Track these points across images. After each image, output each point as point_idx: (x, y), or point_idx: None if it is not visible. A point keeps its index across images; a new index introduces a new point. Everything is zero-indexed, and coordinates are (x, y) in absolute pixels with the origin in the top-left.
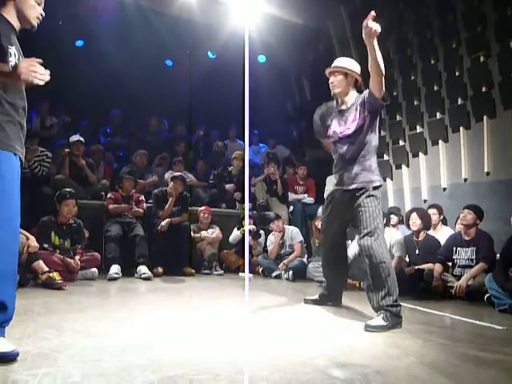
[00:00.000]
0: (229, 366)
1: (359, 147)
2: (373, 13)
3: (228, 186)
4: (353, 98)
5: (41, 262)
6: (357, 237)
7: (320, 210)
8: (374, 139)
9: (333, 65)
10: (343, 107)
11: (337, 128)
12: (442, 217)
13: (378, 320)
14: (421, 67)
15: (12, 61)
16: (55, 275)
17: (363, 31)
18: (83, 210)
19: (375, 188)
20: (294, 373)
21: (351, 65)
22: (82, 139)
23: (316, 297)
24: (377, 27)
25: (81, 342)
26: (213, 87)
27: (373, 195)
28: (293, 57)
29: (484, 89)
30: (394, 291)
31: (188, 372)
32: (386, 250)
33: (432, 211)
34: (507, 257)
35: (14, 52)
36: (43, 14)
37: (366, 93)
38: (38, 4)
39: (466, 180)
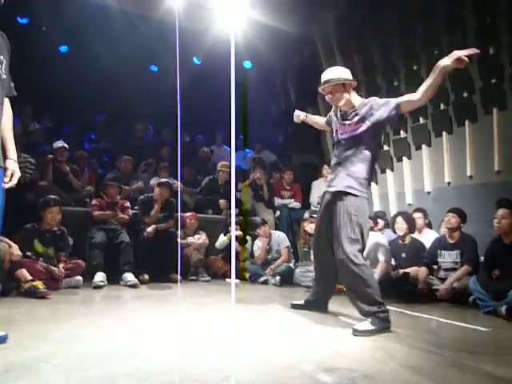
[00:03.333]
0: (215, 372)
1: (354, 153)
2: (477, 51)
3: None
4: (356, 101)
5: (24, 271)
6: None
7: (307, 213)
8: (372, 150)
9: (323, 79)
10: (346, 109)
11: (338, 129)
12: (427, 220)
13: (366, 324)
14: (404, 73)
15: None
16: (39, 284)
17: (456, 61)
18: (67, 216)
19: (354, 195)
20: (281, 378)
21: (342, 73)
22: (65, 145)
23: (302, 302)
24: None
25: (65, 351)
26: (199, 93)
27: (353, 203)
28: (278, 62)
29: (465, 94)
30: (377, 296)
31: (174, 379)
32: (363, 262)
33: (417, 215)
34: (491, 259)
35: None
36: (2, 2)
37: (381, 105)
38: None
39: (449, 184)
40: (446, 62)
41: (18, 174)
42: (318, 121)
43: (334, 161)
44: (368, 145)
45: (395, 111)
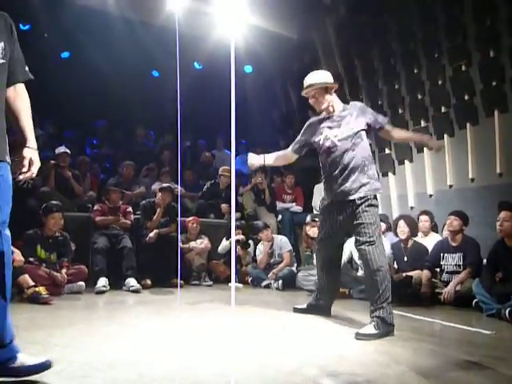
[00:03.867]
0: (218, 377)
1: (361, 155)
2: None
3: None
4: (339, 104)
5: (26, 277)
6: (350, 243)
7: (309, 217)
8: (369, 148)
9: (307, 83)
10: (333, 114)
11: (330, 133)
12: (433, 224)
13: (369, 328)
14: (404, 76)
15: None
16: (41, 289)
17: (429, 143)
18: (69, 222)
19: (375, 197)
20: (284, 382)
21: (324, 77)
22: (67, 151)
23: (305, 306)
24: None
25: (68, 358)
26: (200, 98)
27: (373, 204)
28: (279, 67)
29: (466, 97)
30: (387, 299)
31: None
32: (385, 258)
33: (424, 218)
34: (494, 262)
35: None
36: None
37: (366, 109)
38: None
39: (451, 186)
40: (431, 143)
41: (37, 164)
42: (278, 156)
43: (331, 169)
44: (365, 144)
45: (379, 128)
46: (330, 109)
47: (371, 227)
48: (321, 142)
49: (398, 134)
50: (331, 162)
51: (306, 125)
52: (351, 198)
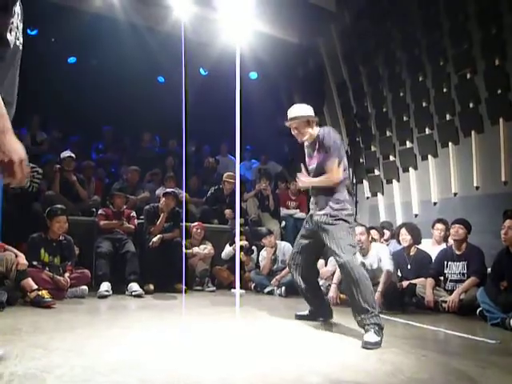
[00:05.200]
0: None
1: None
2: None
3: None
4: (315, 132)
5: (30, 280)
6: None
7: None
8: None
9: (290, 116)
10: (309, 142)
11: (308, 160)
12: (448, 232)
13: (373, 336)
14: (409, 84)
15: (11, 38)
16: (44, 293)
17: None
18: (74, 226)
19: (346, 215)
20: None
21: (307, 111)
22: (72, 155)
23: (306, 312)
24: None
25: (70, 362)
26: (205, 103)
27: (342, 219)
28: (284, 73)
29: (471, 105)
30: (375, 305)
31: None
32: (360, 266)
33: (440, 226)
34: (498, 270)
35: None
36: None
37: (328, 137)
38: None
39: (455, 194)
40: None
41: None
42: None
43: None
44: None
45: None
46: (311, 140)
47: (340, 240)
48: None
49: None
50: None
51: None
52: (318, 213)
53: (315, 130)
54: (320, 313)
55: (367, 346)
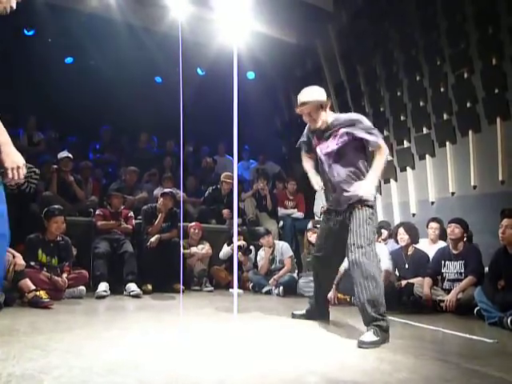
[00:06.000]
0: None
1: (346, 170)
2: None
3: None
4: (331, 118)
5: (27, 281)
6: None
7: (310, 223)
8: (361, 159)
9: (301, 101)
10: (323, 127)
11: (319, 146)
12: (441, 231)
13: (370, 336)
14: (407, 84)
15: None
16: (42, 294)
17: None
18: (71, 226)
19: (368, 204)
20: None
21: (319, 94)
22: (70, 155)
23: (303, 311)
24: None
25: (68, 363)
26: (202, 104)
27: (366, 209)
28: (281, 73)
29: (468, 104)
30: (382, 306)
31: None
32: (376, 264)
33: (434, 225)
34: (496, 270)
35: None
36: (14, 7)
37: (357, 124)
38: None
39: (453, 194)
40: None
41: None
42: (312, 167)
43: (326, 177)
44: (353, 157)
45: (372, 144)
46: (324, 125)
47: (359, 232)
48: (315, 150)
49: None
50: (322, 172)
51: (306, 128)
52: (342, 208)
53: (329, 115)
54: (317, 313)
55: (361, 344)
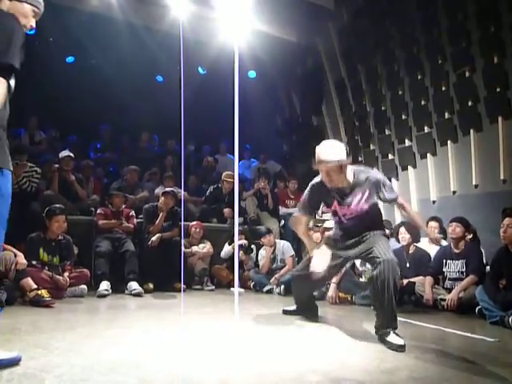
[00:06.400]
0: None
1: (366, 221)
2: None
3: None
4: (350, 175)
5: (29, 280)
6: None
7: (311, 222)
8: (377, 215)
9: (320, 159)
10: (342, 186)
11: (337, 208)
12: (441, 230)
13: (398, 338)
14: (408, 82)
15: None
16: (43, 292)
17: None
18: (72, 225)
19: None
20: None
21: (340, 154)
22: (71, 155)
23: (294, 307)
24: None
25: (69, 361)
26: (203, 102)
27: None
28: (282, 72)
29: (470, 103)
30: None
31: None
32: (398, 275)
33: (433, 224)
34: (497, 269)
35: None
36: (34, 26)
37: (381, 187)
38: (34, 16)
39: (454, 192)
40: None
41: None
42: (305, 229)
43: (341, 229)
44: (372, 214)
45: (392, 201)
46: (342, 185)
47: (383, 248)
48: (331, 206)
49: (405, 210)
50: (338, 225)
51: (312, 187)
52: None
53: (348, 173)
54: (308, 310)
55: (401, 349)
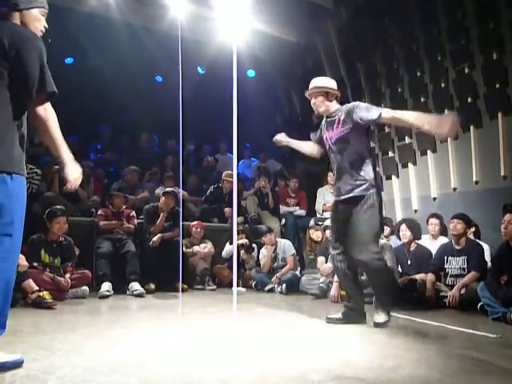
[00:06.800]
0: (221, 383)
1: (350, 158)
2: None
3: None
4: (334, 107)
5: (30, 281)
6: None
7: (312, 221)
8: (363, 148)
9: (311, 86)
10: (330, 117)
11: (326, 134)
12: (442, 227)
13: (383, 316)
14: (407, 80)
15: None
16: (45, 294)
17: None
18: (73, 226)
19: (369, 197)
20: None
21: (329, 83)
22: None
23: (339, 315)
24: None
25: (71, 362)
26: (203, 102)
27: (369, 205)
28: (281, 71)
29: (470, 99)
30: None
31: None
32: (380, 257)
33: (434, 221)
34: (498, 265)
35: None
36: (46, 26)
37: (355, 108)
38: (42, 15)
39: (455, 189)
40: (434, 128)
41: (74, 175)
42: (303, 146)
43: (335, 168)
44: (357, 144)
45: (376, 118)
46: (327, 113)
47: (362, 229)
48: (325, 142)
49: (407, 116)
50: (330, 161)
51: (317, 125)
52: (344, 197)
53: (333, 104)
54: (355, 314)
55: (377, 325)
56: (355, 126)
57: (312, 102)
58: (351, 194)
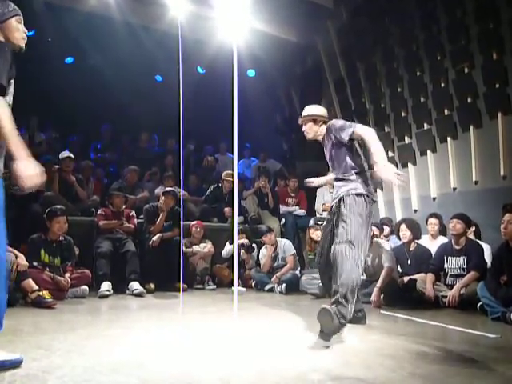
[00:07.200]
0: (220, 382)
1: (339, 169)
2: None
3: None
4: (324, 131)
5: (30, 281)
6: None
7: (312, 220)
8: (349, 161)
9: (302, 115)
10: (320, 139)
11: (325, 155)
12: (441, 227)
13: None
14: (407, 79)
15: (8, 97)
16: (45, 294)
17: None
18: (73, 226)
19: (356, 195)
20: None
21: (317, 111)
22: (71, 155)
23: None
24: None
25: (71, 362)
26: (203, 102)
27: (354, 205)
28: (281, 71)
29: (469, 99)
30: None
31: None
32: (357, 259)
33: (433, 221)
34: (498, 265)
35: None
36: (27, 31)
37: (331, 127)
38: (19, 22)
39: (454, 189)
40: (378, 170)
41: (27, 174)
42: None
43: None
44: (346, 158)
45: (348, 137)
46: (318, 138)
47: (346, 228)
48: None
49: (372, 142)
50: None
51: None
52: (334, 200)
53: (321, 129)
54: (355, 315)
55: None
56: (335, 143)
57: (303, 128)
58: (338, 195)
